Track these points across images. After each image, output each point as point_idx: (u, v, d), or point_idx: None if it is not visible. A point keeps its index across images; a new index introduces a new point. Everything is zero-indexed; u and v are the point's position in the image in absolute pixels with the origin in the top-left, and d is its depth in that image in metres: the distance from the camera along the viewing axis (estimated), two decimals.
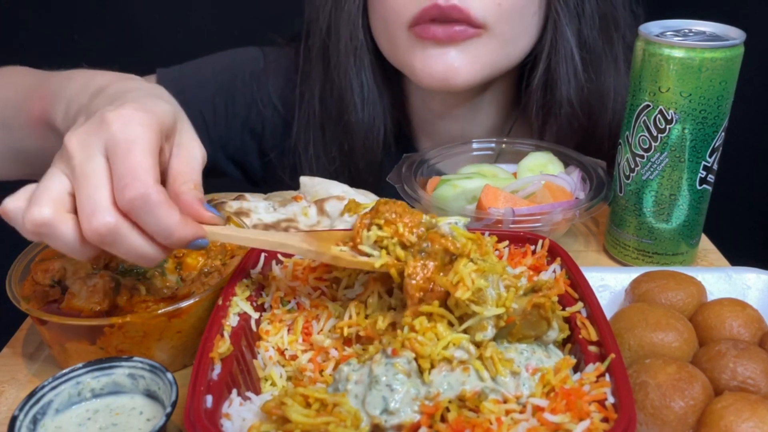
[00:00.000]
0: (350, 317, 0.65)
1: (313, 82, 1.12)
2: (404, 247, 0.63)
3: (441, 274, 0.60)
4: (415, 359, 0.57)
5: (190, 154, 0.67)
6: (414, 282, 0.60)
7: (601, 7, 1.03)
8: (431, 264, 0.61)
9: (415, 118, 1.20)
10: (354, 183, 1.00)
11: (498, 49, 0.99)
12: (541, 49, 1.04)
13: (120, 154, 0.59)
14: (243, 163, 1.24)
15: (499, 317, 0.58)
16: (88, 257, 0.62)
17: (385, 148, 1.14)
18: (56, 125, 0.78)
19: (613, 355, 0.57)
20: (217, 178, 1.25)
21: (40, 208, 0.58)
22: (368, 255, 0.64)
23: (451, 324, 0.59)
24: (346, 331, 0.64)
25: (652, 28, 0.85)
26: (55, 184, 0.60)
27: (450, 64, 0.97)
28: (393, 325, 0.62)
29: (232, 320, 0.64)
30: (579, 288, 0.66)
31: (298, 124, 1.15)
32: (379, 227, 0.64)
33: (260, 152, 1.22)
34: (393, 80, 1.13)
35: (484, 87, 1.10)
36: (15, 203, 0.60)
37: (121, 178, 0.58)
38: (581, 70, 1.04)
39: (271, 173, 1.21)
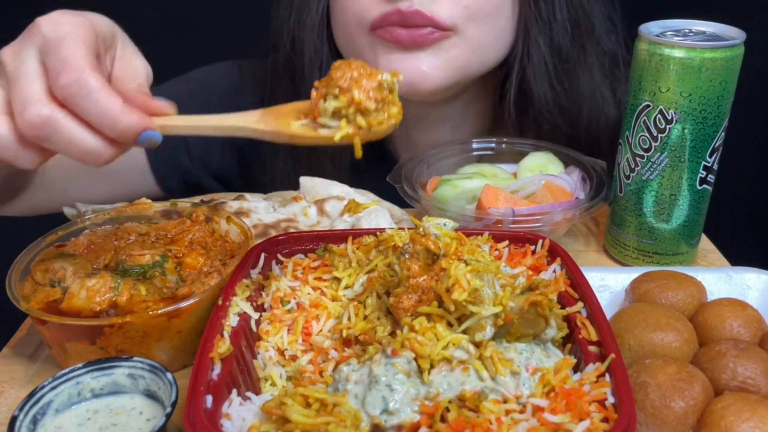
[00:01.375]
0: (349, 318, 0.65)
1: (279, 98, 1.08)
2: (364, 113, 0.61)
3: (423, 277, 0.60)
4: (415, 359, 0.57)
5: (133, 64, 0.64)
6: (400, 308, 0.60)
7: (572, 14, 1.00)
8: (415, 267, 0.61)
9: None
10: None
11: (469, 53, 0.96)
12: (513, 58, 1.01)
13: (52, 49, 0.57)
14: (226, 179, 1.23)
15: (496, 316, 0.58)
16: (33, 162, 0.60)
17: (354, 167, 1.12)
18: None
19: (613, 355, 0.57)
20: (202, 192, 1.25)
21: None
22: (328, 127, 0.62)
23: (450, 324, 0.59)
24: (345, 333, 0.64)
25: (652, 28, 0.85)
26: None
27: (417, 68, 0.94)
28: (392, 334, 0.62)
29: (232, 320, 0.64)
30: (579, 288, 0.67)
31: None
32: (335, 97, 0.61)
33: (242, 167, 1.21)
34: None
35: (456, 96, 1.08)
36: None
37: (54, 69, 0.57)
38: (555, 79, 1.01)
39: (253, 187, 1.19)
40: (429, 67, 0.94)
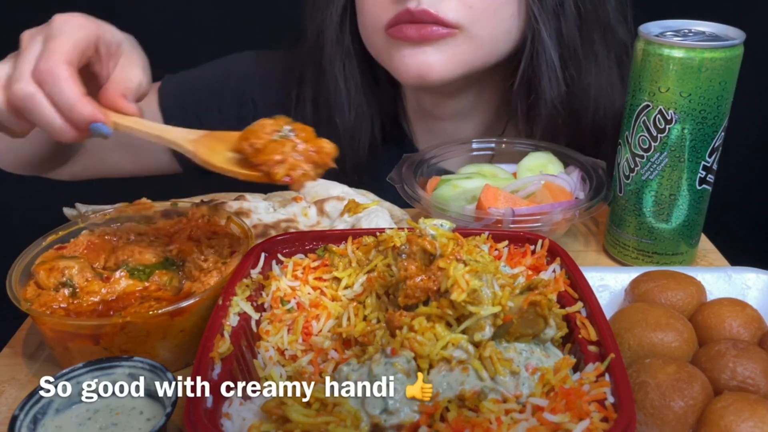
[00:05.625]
0: (348, 319, 0.65)
1: (306, 85, 1.17)
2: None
3: (421, 278, 0.60)
4: (414, 359, 0.57)
5: (129, 72, 0.73)
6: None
7: (580, 6, 1.03)
8: (413, 267, 0.61)
9: (411, 116, 1.23)
10: (340, 181, 1.02)
11: (476, 50, 1.01)
12: (521, 50, 1.04)
13: (49, 40, 0.68)
14: None
15: (496, 316, 0.58)
16: (21, 128, 0.71)
17: (371, 151, 1.18)
18: None
19: (612, 355, 0.57)
20: (215, 175, 1.28)
21: None
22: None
23: (449, 324, 0.59)
24: (345, 335, 0.64)
25: (652, 28, 0.85)
26: (2, 68, 0.71)
27: (424, 61, 1.00)
28: (392, 335, 0.62)
29: (232, 320, 0.64)
30: (579, 288, 0.67)
31: None
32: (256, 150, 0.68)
33: None
34: (385, 81, 1.16)
35: (469, 85, 1.11)
36: None
37: (40, 55, 0.68)
38: (562, 70, 1.04)
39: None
40: (435, 60, 1.00)
